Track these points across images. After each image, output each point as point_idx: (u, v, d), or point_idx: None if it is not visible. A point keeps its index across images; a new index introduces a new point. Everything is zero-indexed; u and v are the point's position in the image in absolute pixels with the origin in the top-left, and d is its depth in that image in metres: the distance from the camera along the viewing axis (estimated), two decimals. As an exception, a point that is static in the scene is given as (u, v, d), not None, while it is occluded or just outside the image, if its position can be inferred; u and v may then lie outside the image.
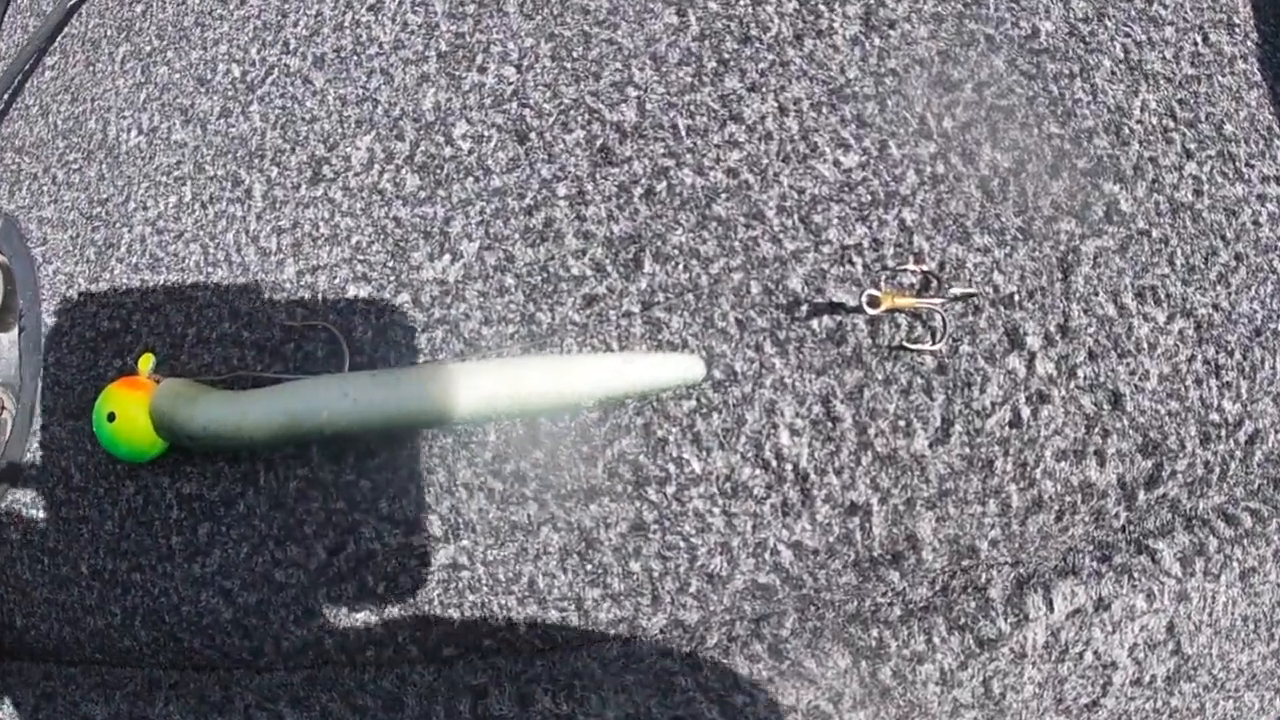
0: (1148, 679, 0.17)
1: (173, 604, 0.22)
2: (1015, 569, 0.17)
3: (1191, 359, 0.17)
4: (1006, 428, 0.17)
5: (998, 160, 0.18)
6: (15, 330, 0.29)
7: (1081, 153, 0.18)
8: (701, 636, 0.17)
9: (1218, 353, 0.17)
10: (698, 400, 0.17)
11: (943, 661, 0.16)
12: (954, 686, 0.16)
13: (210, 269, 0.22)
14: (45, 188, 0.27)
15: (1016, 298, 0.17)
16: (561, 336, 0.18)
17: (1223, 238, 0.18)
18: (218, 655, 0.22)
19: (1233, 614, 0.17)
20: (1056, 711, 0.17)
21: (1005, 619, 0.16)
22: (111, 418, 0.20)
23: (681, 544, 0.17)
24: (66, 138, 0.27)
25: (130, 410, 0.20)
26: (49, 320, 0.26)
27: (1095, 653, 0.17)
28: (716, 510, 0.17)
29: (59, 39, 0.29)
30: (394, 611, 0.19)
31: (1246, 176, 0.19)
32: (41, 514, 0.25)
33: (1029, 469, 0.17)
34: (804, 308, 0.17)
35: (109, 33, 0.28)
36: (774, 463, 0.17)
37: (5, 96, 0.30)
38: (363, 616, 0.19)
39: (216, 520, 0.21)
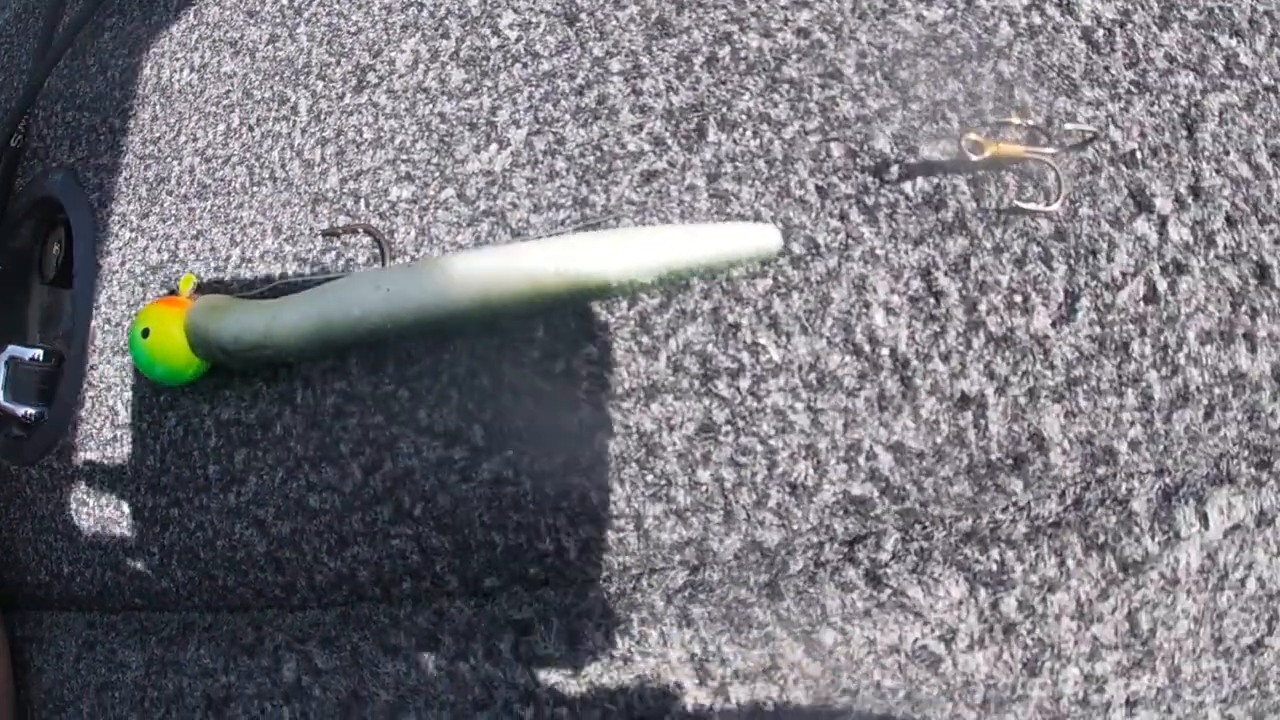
0: None
1: (208, 538, 0.23)
2: (1161, 478, 0.14)
3: None
4: (1141, 303, 0.14)
5: (1099, 10, 0.16)
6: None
7: (1191, 4, 0.16)
8: (784, 562, 0.15)
9: None
10: (774, 278, 0.15)
11: (1079, 589, 0.14)
12: (1093, 621, 0.14)
13: (255, 188, 0.23)
14: (103, 136, 0.29)
15: (1139, 155, 0.15)
16: (618, 218, 0.17)
17: None
18: (251, 593, 0.22)
19: None
20: (1215, 653, 0.14)
21: (1152, 537, 0.14)
22: (146, 334, 0.21)
23: (759, 448, 0.15)
24: (123, 88, 0.30)
25: (166, 326, 0.20)
26: (103, 262, 0.27)
27: (1259, 580, 0.14)
28: (800, 406, 0.15)
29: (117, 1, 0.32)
30: (431, 537, 0.18)
31: None
32: (89, 456, 0.27)
33: (1171, 353, 0.14)
34: (894, 169, 0.15)
35: (167, -14, 0.30)
36: (867, 348, 0.15)
37: (68, 62, 0.33)
38: (398, 544, 0.19)
39: (253, 445, 0.21)
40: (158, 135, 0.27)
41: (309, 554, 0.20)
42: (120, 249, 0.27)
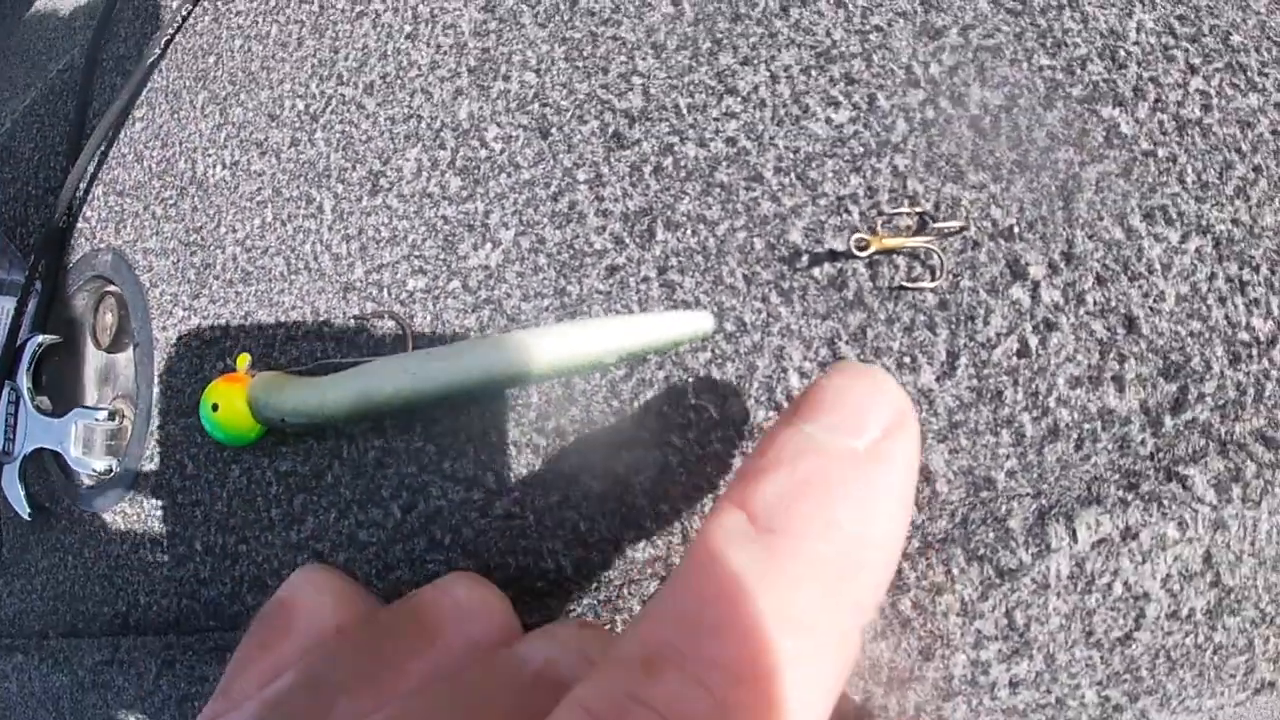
0: (1185, 612, 0.18)
1: (274, 569, 0.28)
2: (1036, 500, 0.18)
3: (1212, 277, 0.18)
4: (1014, 357, 0.18)
5: (987, 99, 0.19)
6: (131, 349, 0.37)
7: (1075, 81, 0.19)
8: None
9: (1241, 269, 0.18)
10: (712, 351, 0.20)
11: (963, 592, 0.18)
12: (976, 617, 0.18)
13: (293, 276, 0.28)
14: (146, 223, 0.35)
15: (1016, 229, 0.19)
16: (590, 304, 0.22)
17: (1238, 151, 0.18)
18: None
19: (1278, 543, 0.18)
20: (1087, 644, 0.18)
21: (1026, 549, 0.17)
22: (215, 408, 0.26)
23: (705, 484, 0.20)
24: (161, 178, 0.34)
25: (231, 400, 0.26)
26: (159, 335, 0.33)
27: (1125, 584, 0.17)
28: (735, 452, 0.20)
29: (144, 93, 0.37)
30: (459, 561, 0.23)
31: (1261, 86, 0.19)
32: (161, 502, 0.32)
33: (1041, 397, 0.18)
34: (805, 258, 0.20)
35: (188, 83, 0.35)
36: (785, 404, 0.20)
37: (103, 148, 0.38)
38: (433, 568, 0.24)
39: (309, 492, 0.26)
40: (199, 225, 0.32)
41: (361, 578, 0.25)
42: (175, 325, 0.32)
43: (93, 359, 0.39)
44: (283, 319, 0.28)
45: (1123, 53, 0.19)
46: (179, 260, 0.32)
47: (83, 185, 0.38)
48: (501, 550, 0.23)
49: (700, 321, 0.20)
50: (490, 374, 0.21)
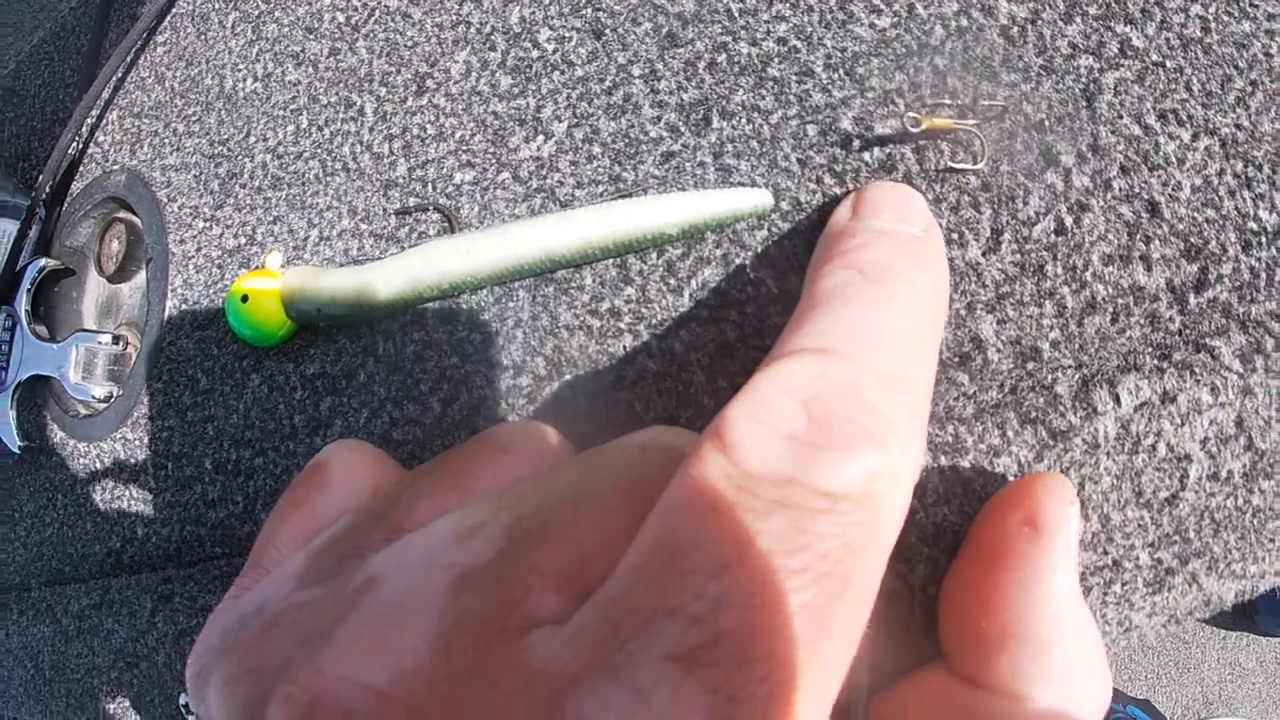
0: (1224, 474, 0.20)
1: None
2: (1079, 370, 0.20)
3: (1221, 172, 0.20)
4: (1052, 235, 0.20)
5: (1014, 12, 0.22)
6: (140, 277, 0.37)
7: (1091, 1, 0.22)
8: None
9: (1246, 167, 0.20)
10: (769, 229, 0.21)
11: (1018, 454, 0.19)
12: None
13: (329, 178, 0.28)
14: (166, 140, 0.35)
15: (1046, 123, 0.21)
16: (645, 189, 0.22)
17: (1236, 67, 0.21)
18: None
19: None
20: (1137, 504, 0.19)
21: (1075, 413, 0.19)
22: (245, 299, 0.26)
23: (763, 360, 0.21)
24: (184, 96, 0.35)
25: (261, 293, 0.26)
26: (175, 249, 0.32)
27: (1168, 445, 0.19)
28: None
29: (167, 18, 0.37)
30: (503, 453, 0.23)
31: (1253, 15, 0.22)
32: (169, 423, 0.32)
33: (1079, 272, 0.20)
34: (856, 143, 0.21)
35: (216, 5, 0.35)
36: (842, 278, 0.21)
37: (119, 74, 0.38)
38: (474, 461, 0.24)
39: (338, 393, 0.26)
40: (226, 137, 0.32)
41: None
42: (195, 237, 0.32)
43: (94, 289, 0.39)
44: (315, 220, 0.28)
45: None
46: (201, 173, 0.32)
47: (95, 111, 0.38)
48: (548, 438, 0.23)
49: (760, 197, 0.21)
50: (549, 252, 0.22)
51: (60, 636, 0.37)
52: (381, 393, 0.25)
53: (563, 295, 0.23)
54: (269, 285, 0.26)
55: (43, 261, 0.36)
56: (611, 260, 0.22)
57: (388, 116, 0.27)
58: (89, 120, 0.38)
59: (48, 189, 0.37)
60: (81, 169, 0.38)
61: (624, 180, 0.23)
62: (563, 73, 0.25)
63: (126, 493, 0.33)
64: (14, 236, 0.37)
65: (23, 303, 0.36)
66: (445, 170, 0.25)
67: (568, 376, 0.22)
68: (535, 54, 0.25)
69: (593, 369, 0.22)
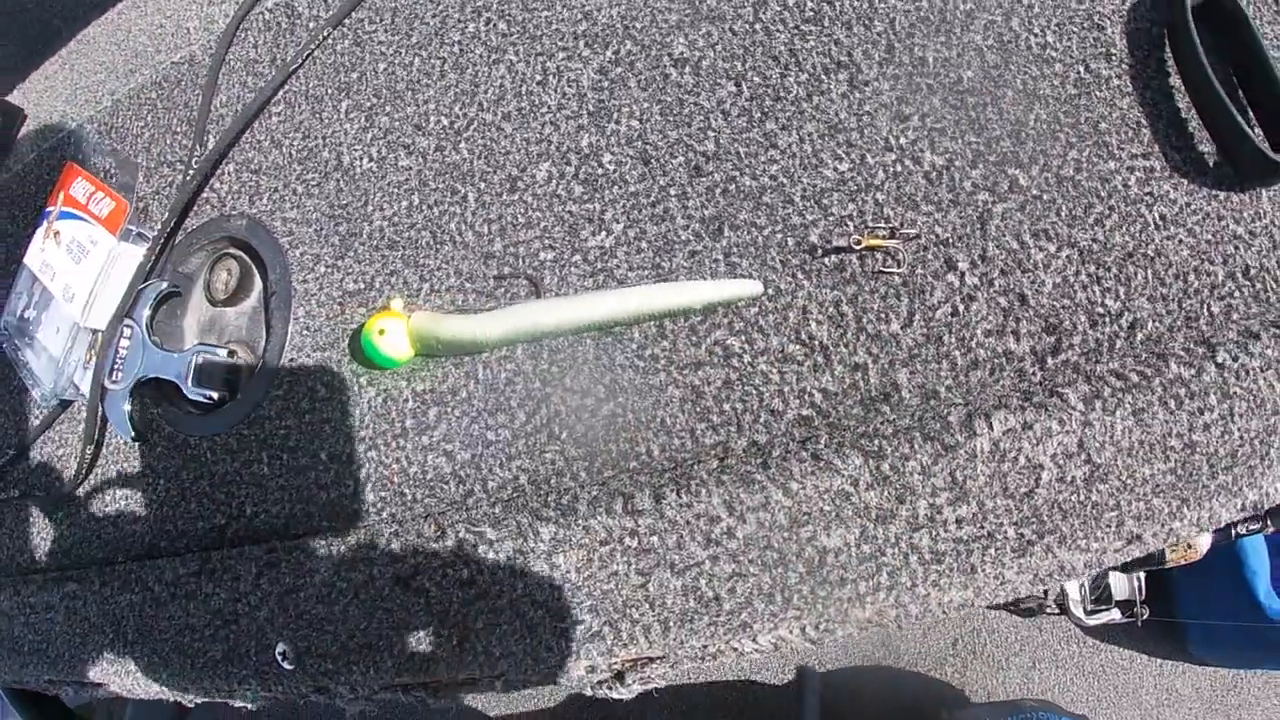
0: (1069, 478, 0.31)
1: (402, 467, 0.38)
2: (965, 406, 0.32)
3: (1077, 273, 0.33)
4: (949, 316, 0.33)
5: (935, 160, 0.35)
6: (246, 304, 0.46)
7: (990, 151, 0.34)
8: (769, 450, 0.33)
9: (1098, 269, 0.32)
10: (759, 307, 0.33)
11: (921, 459, 0.31)
12: (930, 475, 0.30)
13: (438, 246, 0.39)
14: (286, 197, 0.44)
15: (950, 240, 0.34)
16: (677, 275, 0.34)
17: (1099, 196, 0.33)
18: (434, 501, 0.37)
19: (1130, 438, 0.29)
20: (1004, 495, 0.30)
21: (961, 434, 0.30)
22: (381, 332, 0.36)
23: (754, 392, 0.33)
24: (302, 163, 0.45)
25: (395, 328, 0.36)
26: (298, 286, 0.42)
27: (1027, 457, 0.30)
28: (774, 371, 0.33)
29: (280, 94, 0.47)
30: (572, 450, 0.34)
31: (1118, 156, 0.33)
32: (287, 423, 0.41)
33: (967, 341, 0.32)
34: (819, 251, 0.34)
35: (329, 91, 0.46)
36: (808, 341, 0.33)
37: (238, 133, 0.47)
38: (549, 456, 0.35)
39: (443, 405, 0.37)
40: (345, 203, 0.42)
41: (484, 469, 0.36)
42: (317, 279, 0.42)
43: (195, 311, 0.48)
44: (428, 277, 0.39)
45: (1023, 134, 0.35)
46: (322, 229, 0.42)
47: (210, 162, 0.47)
48: (605, 440, 0.34)
49: (754, 286, 0.33)
50: (609, 315, 0.33)
51: (151, 602, 0.45)
52: (479, 405, 0.36)
53: (618, 344, 0.34)
54: (398, 324, 0.36)
55: (164, 285, 0.46)
56: (652, 322, 0.34)
57: (487, 205, 0.38)
58: (200, 168, 0.47)
59: (172, 224, 0.46)
60: (196, 208, 0.48)
61: (662, 268, 0.35)
62: (620, 187, 0.36)
63: (238, 477, 0.43)
64: (141, 262, 0.46)
65: (144, 316, 0.45)
66: (533, 250, 0.37)
67: (620, 399, 0.34)
68: (600, 171, 0.37)
69: (639, 395, 0.34)
